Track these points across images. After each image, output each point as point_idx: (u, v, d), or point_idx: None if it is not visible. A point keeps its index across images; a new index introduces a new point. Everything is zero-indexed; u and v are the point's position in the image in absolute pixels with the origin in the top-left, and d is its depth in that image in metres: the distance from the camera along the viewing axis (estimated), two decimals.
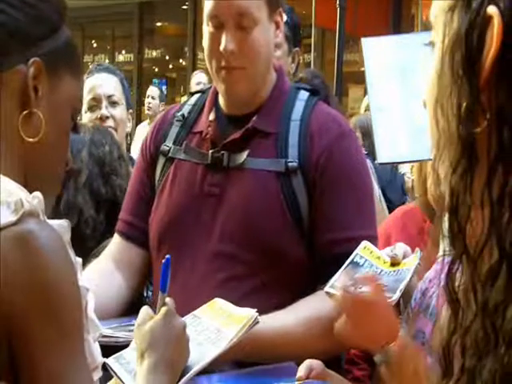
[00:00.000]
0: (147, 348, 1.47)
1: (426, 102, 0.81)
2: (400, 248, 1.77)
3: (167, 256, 1.56)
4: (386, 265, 1.74)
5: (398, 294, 1.63)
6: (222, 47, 1.87)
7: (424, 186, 2.02)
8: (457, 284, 0.75)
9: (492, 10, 0.71)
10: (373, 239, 1.89)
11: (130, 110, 3.20)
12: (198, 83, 7.68)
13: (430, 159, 1.56)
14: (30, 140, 1.20)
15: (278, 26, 1.96)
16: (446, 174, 0.76)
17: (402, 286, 1.64)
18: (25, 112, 1.20)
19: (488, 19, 0.71)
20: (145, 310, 1.54)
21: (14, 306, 1.06)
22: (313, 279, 1.86)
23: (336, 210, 1.86)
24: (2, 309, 1.06)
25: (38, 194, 1.14)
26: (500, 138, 0.70)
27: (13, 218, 1.08)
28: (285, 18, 2.98)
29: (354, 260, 1.75)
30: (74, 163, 2.21)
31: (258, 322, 1.61)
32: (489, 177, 0.71)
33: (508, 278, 0.69)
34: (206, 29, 1.93)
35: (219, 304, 1.69)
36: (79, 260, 1.22)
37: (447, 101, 0.74)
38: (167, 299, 1.53)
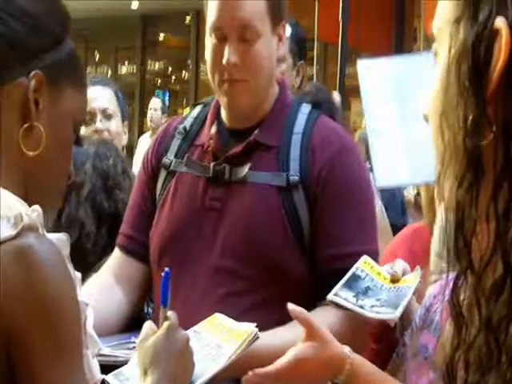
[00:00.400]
0: (150, 364, 1.44)
1: (428, 116, 0.80)
2: (400, 265, 1.76)
3: (166, 269, 1.54)
4: (387, 281, 1.73)
5: (400, 311, 1.61)
6: (224, 60, 1.87)
7: (432, 204, 2.01)
8: (461, 299, 0.75)
9: (500, 22, 0.70)
10: (373, 254, 1.88)
11: (126, 122, 3.19)
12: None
13: (429, 182, 1.55)
14: (30, 153, 1.19)
15: (280, 39, 1.95)
16: (451, 188, 0.75)
17: (404, 303, 1.63)
18: (25, 125, 1.19)
19: (496, 31, 0.70)
20: (148, 325, 1.52)
21: (14, 318, 1.06)
22: (314, 295, 1.84)
23: (337, 225, 1.85)
24: (2, 321, 1.06)
25: (37, 207, 1.14)
26: (506, 152, 0.70)
27: (12, 232, 1.08)
28: (289, 31, 2.99)
29: (356, 273, 1.74)
30: (77, 176, 2.17)
31: (258, 338, 1.59)
32: (495, 190, 0.70)
33: (511, 295, 0.69)
34: (209, 41, 1.92)
35: (219, 319, 1.68)
36: (78, 275, 1.22)
37: (453, 113, 0.73)
38: (169, 313, 1.51)
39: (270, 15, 1.90)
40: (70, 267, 1.16)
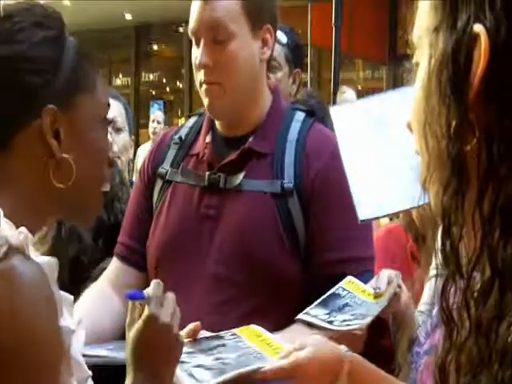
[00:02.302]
0: (132, 361, 1.42)
1: (411, 125, 0.81)
2: (383, 279, 1.74)
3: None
4: (370, 297, 1.72)
5: (369, 319, 1.60)
6: (196, 61, 1.89)
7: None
8: (451, 303, 0.76)
9: (478, 28, 0.71)
10: (369, 260, 1.89)
11: (132, 137, 3.18)
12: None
13: (412, 207, 1.58)
14: (64, 186, 1.19)
15: (265, 44, 1.94)
16: (436, 195, 0.76)
17: (375, 312, 1.62)
18: (52, 163, 1.18)
19: (475, 37, 0.71)
20: (132, 308, 1.47)
21: None
22: (309, 301, 1.84)
23: (332, 231, 1.86)
24: None
25: (23, 229, 1.12)
26: (489, 155, 0.70)
27: None
28: (285, 39, 2.99)
29: (336, 292, 1.72)
30: None
31: None
32: (479, 194, 0.71)
33: (500, 294, 0.69)
34: (193, 46, 1.94)
35: (256, 329, 1.67)
36: (69, 298, 1.20)
37: (436, 121, 0.74)
38: (151, 305, 1.45)
39: (247, 17, 1.89)
40: (57, 290, 1.14)
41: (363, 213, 1.60)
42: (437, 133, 0.74)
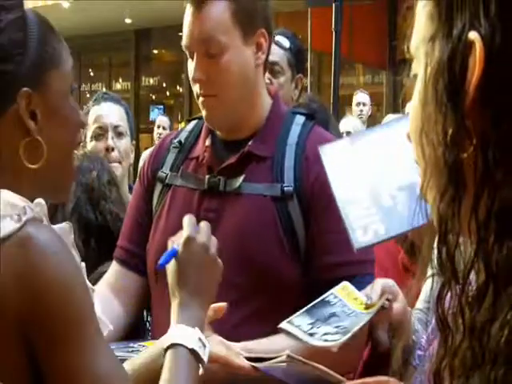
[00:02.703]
0: (176, 283, 1.47)
1: (410, 135, 0.82)
2: (377, 289, 1.72)
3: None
4: (361, 306, 1.68)
5: (346, 338, 1.57)
6: (190, 76, 1.89)
7: None
8: (446, 309, 0.76)
9: (473, 35, 0.71)
10: (369, 263, 1.89)
11: (134, 142, 3.18)
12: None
13: (406, 231, 1.60)
14: (34, 166, 1.21)
15: (259, 48, 1.93)
16: (433, 202, 0.76)
17: (355, 329, 1.58)
18: (25, 140, 1.21)
19: (470, 45, 0.71)
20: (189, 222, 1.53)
21: (25, 308, 1.09)
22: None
23: (332, 234, 1.85)
24: (15, 314, 1.09)
25: (40, 200, 1.17)
26: (485, 161, 0.71)
27: (17, 226, 1.11)
28: (287, 44, 3.00)
29: (326, 299, 1.71)
30: None
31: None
32: (475, 200, 0.71)
33: (494, 296, 0.70)
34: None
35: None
36: (83, 264, 1.24)
37: (432, 129, 0.75)
38: (187, 227, 1.51)
39: (238, 25, 1.88)
40: (75, 253, 1.19)
41: (358, 241, 1.61)
42: (433, 140, 0.75)
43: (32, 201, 1.18)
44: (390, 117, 5.04)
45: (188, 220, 1.54)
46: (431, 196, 0.77)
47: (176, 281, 1.46)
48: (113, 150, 2.92)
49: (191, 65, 1.91)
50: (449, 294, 0.75)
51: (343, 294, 1.71)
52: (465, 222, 0.72)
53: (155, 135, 8.42)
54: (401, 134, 0.89)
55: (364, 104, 7.98)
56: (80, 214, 2.33)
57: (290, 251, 1.84)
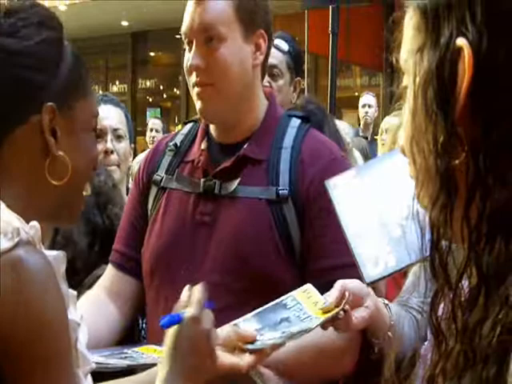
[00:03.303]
0: (167, 354, 1.43)
1: (403, 147, 0.82)
2: (334, 292, 1.67)
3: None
4: (320, 311, 1.64)
5: (280, 341, 1.54)
6: (188, 63, 1.89)
7: None
8: (440, 314, 0.77)
9: (461, 41, 0.72)
10: None
11: (132, 145, 3.17)
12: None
13: (416, 261, 1.60)
14: (59, 183, 1.22)
15: (258, 48, 1.94)
16: (426, 210, 0.77)
17: (294, 331, 1.55)
18: (48, 159, 1.21)
19: (458, 51, 0.72)
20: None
21: (2, 328, 1.07)
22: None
23: (328, 238, 1.85)
24: None
25: (35, 223, 1.15)
26: (476, 167, 0.71)
27: (9, 245, 1.09)
28: (287, 47, 3.00)
29: (283, 302, 1.68)
30: None
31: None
32: (467, 204, 0.71)
33: (485, 298, 0.70)
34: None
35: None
36: (73, 293, 1.23)
37: (423, 138, 0.75)
38: (195, 299, 1.48)
39: (239, 21, 1.89)
40: (64, 284, 1.17)
41: (369, 275, 1.60)
42: (424, 149, 0.75)
43: (38, 221, 1.17)
44: (387, 119, 5.04)
45: (198, 293, 1.49)
46: (425, 204, 0.78)
47: (172, 350, 1.42)
48: (112, 152, 2.93)
49: (188, 54, 1.91)
50: (442, 300, 0.75)
51: (303, 297, 1.68)
52: (457, 228, 0.73)
53: (148, 138, 8.29)
54: (405, 162, 0.89)
55: (370, 106, 7.98)
56: (88, 217, 2.33)
57: (285, 254, 1.84)
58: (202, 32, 1.88)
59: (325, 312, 1.61)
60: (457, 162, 0.72)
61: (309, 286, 1.70)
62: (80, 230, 2.30)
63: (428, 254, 0.79)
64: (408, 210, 1.55)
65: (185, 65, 1.93)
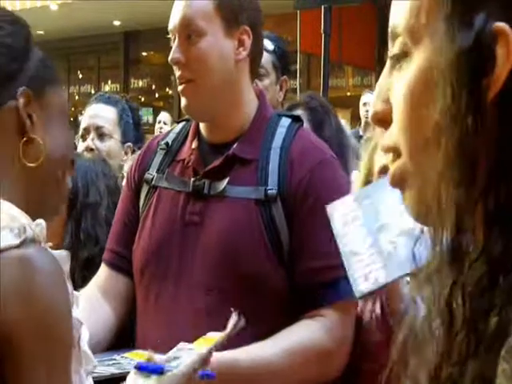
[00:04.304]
0: None
1: (393, 145, 0.77)
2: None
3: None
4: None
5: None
6: (169, 57, 1.92)
7: None
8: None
9: (502, 26, 0.67)
10: None
11: (129, 144, 3.17)
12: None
13: (405, 274, 1.61)
14: (33, 165, 1.24)
15: (241, 44, 1.94)
16: (447, 198, 0.71)
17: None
18: (24, 139, 1.25)
19: (496, 35, 0.67)
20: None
21: (9, 325, 1.08)
22: (293, 308, 1.85)
23: (316, 238, 1.85)
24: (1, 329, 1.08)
25: (41, 221, 1.17)
26: (500, 149, 0.68)
27: (15, 242, 1.10)
28: (272, 46, 3.00)
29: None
30: (91, 195, 2.37)
31: (243, 323, 1.57)
32: (484, 191, 0.68)
33: (492, 285, 0.68)
34: None
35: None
36: (77, 293, 1.25)
37: (449, 124, 0.69)
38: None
39: (220, 15, 1.91)
40: (69, 283, 1.18)
41: (359, 289, 1.63)
42: (448, 135, 0.69)
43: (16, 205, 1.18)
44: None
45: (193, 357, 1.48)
46: (444, 193, 0.71)
47: None
48: (92, 150, 2.98)
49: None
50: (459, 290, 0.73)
51: (200, 344, 1.60)
52: (478, 219, 0.70)
53: (156, 130, 8.31)
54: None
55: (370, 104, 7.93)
56: (107, 217, 2.36)
57: (273, 254, 1.84)
58: (183, 27, 1.90)
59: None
60: (481, 147, 0.68)
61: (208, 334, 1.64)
62: (103, 229, 2.34)
63: (418, 266, 0.78)
64: (400, 228, 1.58)
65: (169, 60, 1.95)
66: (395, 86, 0.77)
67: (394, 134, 0.77)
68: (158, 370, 1.43)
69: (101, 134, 3.03)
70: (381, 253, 1.64)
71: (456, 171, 0.69)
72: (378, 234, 1.67)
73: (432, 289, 0.75)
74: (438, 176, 0.71)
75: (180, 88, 1.93)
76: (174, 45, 1.92)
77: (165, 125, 8.16)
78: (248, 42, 1.95)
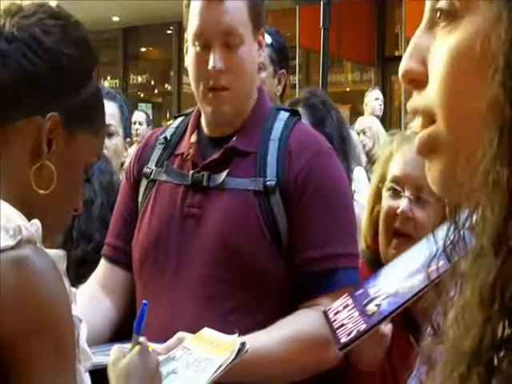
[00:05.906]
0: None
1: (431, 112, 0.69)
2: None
3: (144, 301, 1.53)
4: (217, 349, 1.60)
5: None
6: (210, 66, 1.87)
7: (374, 234, 1.98)
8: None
9: None
10: (351, 257, 1.90)
11: (128, 139, 3.15)
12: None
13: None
14: (41, 192, 1.21)
15: (260, 46, 1.96)
16: (495, 178, 0.64)
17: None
18: (37, 164, 1.21)
19: None
20: (117, 349, 1.51)
21: (8, 326, 1.07)
22: (292, 297, 1.86)
23: (315, 228, 1.86)
24: None
25: (36, 221, 1.15)
26: None
27: (11, 243, 1.09)
28: (269, 40, 3.00)
29: (171, 356, 1.65)
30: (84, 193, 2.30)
31: (247, 351, 1.59)
32: None
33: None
34: (192, 50, 1.92)
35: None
36: (74, 290, 1.23)
37: (503, 102, 0.62)
38: (141, 338, 1.51)
39: (251, 21, 1.90)
40: (66, 282, 1.17)
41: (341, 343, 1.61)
42: (498, 111, 0.62)
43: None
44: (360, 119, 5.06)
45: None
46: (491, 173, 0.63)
47: (123, 382, 1.44)
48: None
49: (199, 54, 1.89)
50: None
51: (196, 342, 1.65)
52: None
53: (133, 131, 7.75)
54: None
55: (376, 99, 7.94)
56: (102, 215, 2.35)
57: (272, 244, 1.85)
58: (222, 35, 1.87)
59: (221, 351, 1.59)
60: None
61: (203, 331, 1.67)
62: (97, 227, 2.33)
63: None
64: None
65: (194, 67, 1.91)
66: (438, 49, 0.69)
67: (430, 99, 0.70)
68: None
69: (109, 133, 2.97)
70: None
71: (508, 151, 0.62)
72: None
73: (474, 275, 0.67)
74: (485, 152, 0.64)
75: (212, 95, 1.90)
76: (213, 53, 1.87)
77: (140, 125, 7.86)
78: (263, 42, 1.96)
